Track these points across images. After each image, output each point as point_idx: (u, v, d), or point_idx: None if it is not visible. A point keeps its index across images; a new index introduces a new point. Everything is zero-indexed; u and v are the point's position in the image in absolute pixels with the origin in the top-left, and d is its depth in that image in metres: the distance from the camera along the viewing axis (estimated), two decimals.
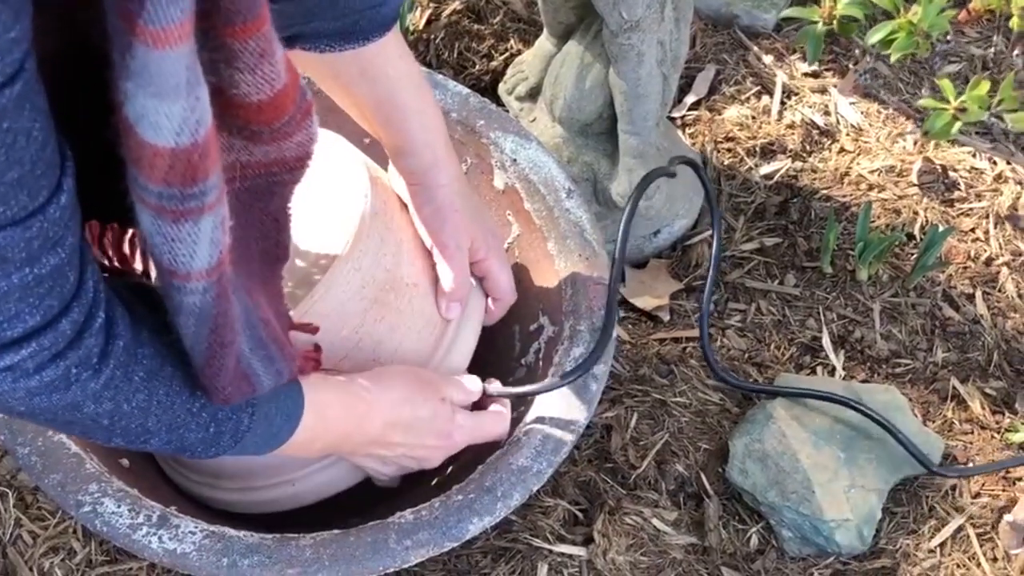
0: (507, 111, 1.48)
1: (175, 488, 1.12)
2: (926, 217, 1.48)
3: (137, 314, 0.77)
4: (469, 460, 1.09)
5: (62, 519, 1.20)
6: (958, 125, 1.00)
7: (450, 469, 1.14)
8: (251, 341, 0.81)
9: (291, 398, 0.90)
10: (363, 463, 1.06)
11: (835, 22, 1.02)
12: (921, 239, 1.45)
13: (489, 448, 1.08)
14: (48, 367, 0.71)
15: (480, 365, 1.14)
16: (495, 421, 1.08)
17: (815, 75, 1.61)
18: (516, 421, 1.10)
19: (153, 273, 0.73)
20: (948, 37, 1.49)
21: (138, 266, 0.87)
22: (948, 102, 1.01)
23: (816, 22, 1.02)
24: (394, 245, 1.05)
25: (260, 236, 0.82)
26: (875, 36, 0.99)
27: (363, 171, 1.04)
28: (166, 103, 0.60)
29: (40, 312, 0.68)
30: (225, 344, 0.77)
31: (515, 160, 1.21)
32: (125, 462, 1.11)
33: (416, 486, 1.13)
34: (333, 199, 1.04)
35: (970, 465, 1.30)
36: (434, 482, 1.16)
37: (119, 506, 0.99)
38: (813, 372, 1.37)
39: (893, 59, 1.02)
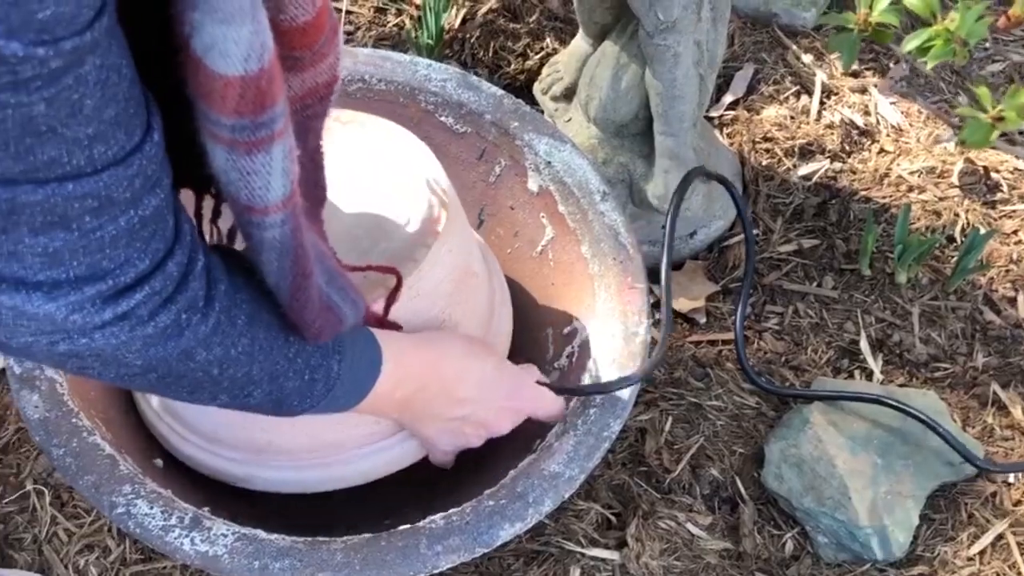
0: (542, 111, 1.47)
1: (207, 480, 1.12)
2: (967, 219, 1.46)
3: (226, 263, 0.79)
4: (499, 465, 1.09)
5: (97, 517, 1.20)
6: (996, 134, 0.98)
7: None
8: (325, 274, 0.83)
9: (370, 344, 0.92)
10: (430, 433, 1.04)
11: (870, 29, 1.00)
12: (962, 241, 1.43)
13: (520, 453, 1.07)
14: (161, 313, 0.72)
15: None
16: (555, 400, 1.08)
17: (855, 75, 1.59)
18: (548, 426, 1.09)
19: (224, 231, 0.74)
20: (987, 44, 1.47)
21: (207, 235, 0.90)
22: (986, 110, 0.99)
23: (851, 29, 1.01)
24: (465, 232, 1.10)
25: (303, 180, 0.82)
26: (911, 44, 0.97)
27: (434, 156, 1.09)
28: (233, 28, 0.61)
29: (149, 256, 0.69)
30: (307, 275, 0.79)
31: (549, 163, 1.20)
32: (159, 462, 1.12)
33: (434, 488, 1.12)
34: (411, 180, 1.07)
35: (1012, 475, 1.28)
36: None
37: (152, 507, 0.99)
38: (851, 376, 1.35)
39: (929, 67, 1.00)
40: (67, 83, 0.58)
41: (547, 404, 1.07)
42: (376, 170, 1.09)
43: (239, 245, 0.83)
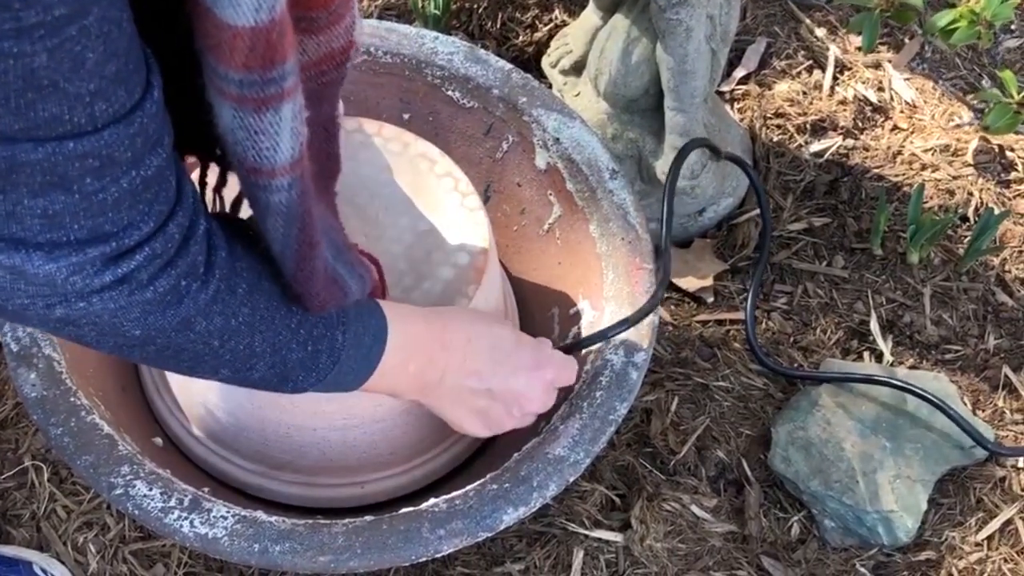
0: (550, 85, 1.44)
1: (216, 479, 1.11)
2: (981, 199, 1.43)
3: (226, 231, 0.77)
4: (504, 448, 1.07)
5: (96, 495, 1.19)
6: (1021, 120, 0.96)
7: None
8: (332, 247, 0.81)
9: (375, 315, 0.89)
10: (458, 415, 1.00)
11: (893, 8, 0.97)
12: (975, 221, 1.40)
13: (525, 435, 1.06)
14: (160, 277, 0.70)
15: None
16: (574, 364, 1.05)
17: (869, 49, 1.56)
18: (554, 408, 1.07)
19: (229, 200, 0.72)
20: (1012, 26, 1.44)
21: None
22: (1011, 95, 0.96)
23: (873, 8, 0.98)
24: (496, 270, 1.12)
25: (315, 149, 0.80)
26: (935, 25, 0.94)
27: (474, 190, 1.10)
28: None
29: (152, 218, 0.68)
30: (313, 244, 0.77)
31: (558, 139, 1.18)
32: (158, 441, 1.11)
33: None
34: (455, 218, 1.08)
35: (1021, 459, 1.27)
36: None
37: (151, 489, 0.98)
38: (860, 357, 1.33)
39: (954, 48, 0.98)
40: (70, 34, 0.57)
41: (569, 370, 1.04)
42: (420, 199, 1.09)
43: (244, 214, 0.81)
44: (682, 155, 1.25)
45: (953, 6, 0.90)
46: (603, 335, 1.06)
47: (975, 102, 1.48)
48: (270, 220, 0.74)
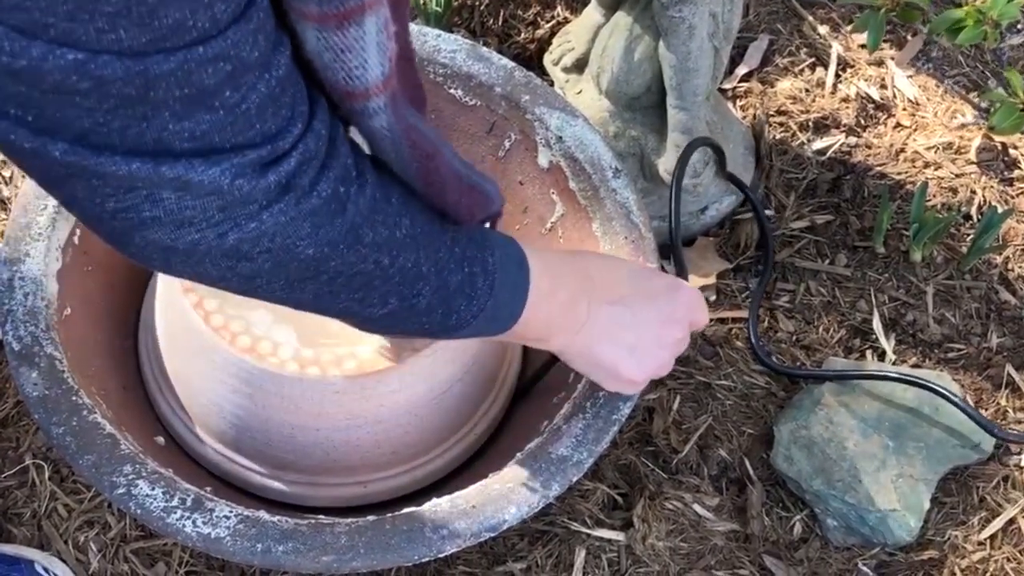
0: (552, 82, 1.44)
1: (218, 478, 1.11)
2: (984, 197, 1.43)
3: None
4: (507, 448, 1.07)
5: (97, 493, 1.19)
6: None
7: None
8: (455, 157, 0.79)
9: (511, 243, 0.86)
10: (609, 354, 0.95)
11: (898, 8, 0.97)
12: (978, 219, 1.40)
13: (528, 435, 1.06)
14: (320, 182, 0.69)
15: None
16: (701, 297, 1.01)
17: None
18: (557, 406, 1.07)
19: None
20: (1019, 25, 1.43)
21: None
22: (1017, 96, 0.96)
23: (879, 8, 0.97)
24: None
25: (400, 74, 0.78)
26: (941, 25, 0.94)
27: None
28: None
29: (298, 120, 0.67)
30: (431, 156, 0.75)
31: (560, 137, 1.18)
32: (160, 440, 1.11)
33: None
34: None
35: None
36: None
37: (153, 488, 0.97)
38: (862, 356, 1.33)
39: (960, 47, 0.97)
40: None
41: (701, 302, 1.01)
42: None
43: None
44: (686, 155, 1.24)
45: (959, 5, 0.89)
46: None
47: (979, 101, 1.48)
48: (378, 145, 0.73)
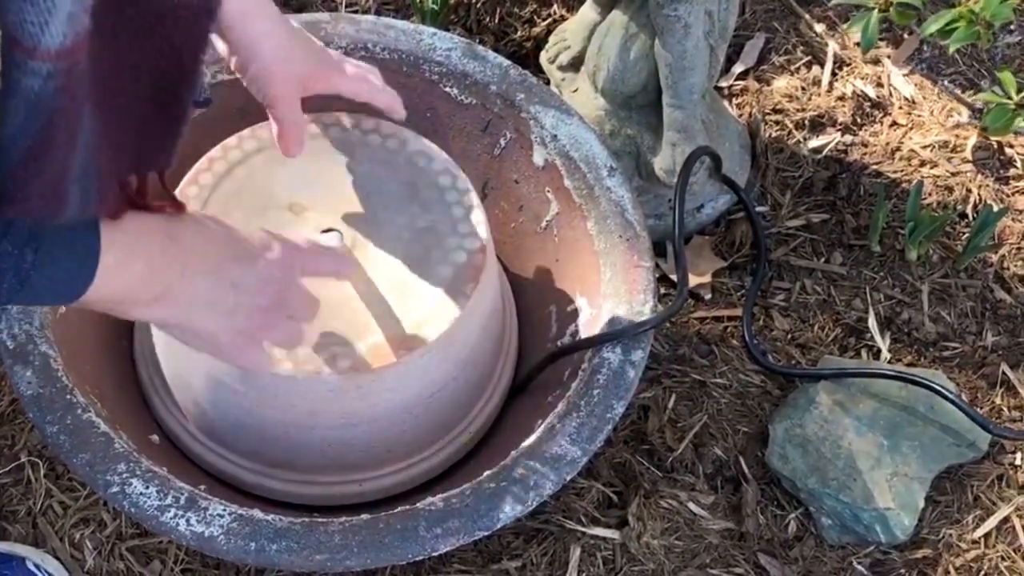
0: (548, 80, 1.44)
1: (213, 476, 1.11)
2: (979, 195, 1.43)
3: None
4: (502, 446, 1.07)
5: (92, 491, 1.19)
6: (1019, 121, 0.95)
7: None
8: (85, 166, 0.73)
9: (85, 237, 0.79)
10: (206, 323, 0.88)
11: (891, 9, 0.97)
12: (974, 218, 1.40)
13: (522, 433, 1.06)
14: None
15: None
16: (303, 242, 0.95)
17: None
18: (551, 405, 1.07)
19: None
20: (1012, 26, 1.43)
21: None
22: (1010, 96, 0.96)
23: (872, 8, 0.97)
24: (495, 268, 1.14)
25: (153, 69, 0.75)
26: (933, 26, 0.94)
27: (474, 191, 1.11)
28: None
29: None
30: (52, 146, 0.69)
31: (555, 136, 1.18)
32: (155, 438, 1.11)
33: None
34: (453, 217, 1.09)
35: (1018, 456, 1.27)
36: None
37: (147, 487, 0.97)
38: (857, 354, 1.33)
39: (952, 49, 0.97)
40: None
41: (309, 249, 0.94)
42: (418, 196, 1.09)
43: None
44: (688, 165, 1.24)
45: (952, 6, 0.89)
46: (619, 334, 1.08)
47: (974, 102, 1.48)
48: (13, 101, 0.66)
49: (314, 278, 0.94)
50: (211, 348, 0.91)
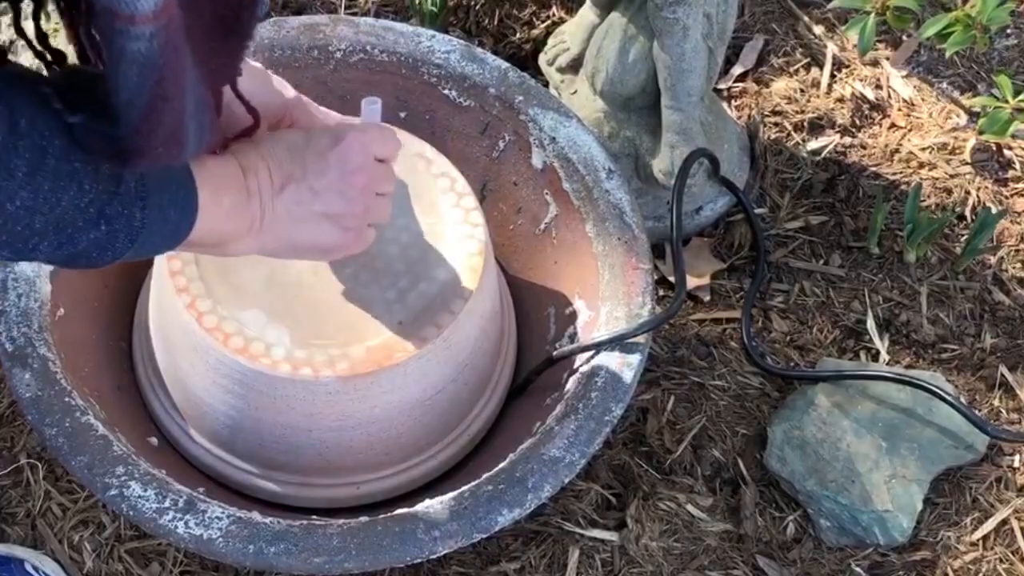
0: (547, 82, 1.44)
1: (211, 478, 1.11)
2: (978, 197, 1.43)
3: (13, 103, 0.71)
4: (500, 449, 1.07)
5: (91, 493, 1.19)
6: (1015, 124, 0.95)
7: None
8: (195, 102, 0.75)
9: (184, 186, 0.82)
10: (305, 233, 0.91)
11: (888, 13, 0.97)
12: (972, 220, 1.40)
13: (520, 436, 1.06)
14: None
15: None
16: (375, 128, 0.96)
17: None
18: (550, 407, 1.08)
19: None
20: (1008, 30, 1.43)
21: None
22: (1006, 100, 0.96)
23: (868, 13, 0.97)
24: (493, 271, 1.14)
25: (212, 4, 0.75)
26: (930, 30, 0.94)
27: (477, 203, 1.11)
28: None
29: None
30: (168, 98, 0.71)
31: (554, 138, 1.18)
32: (153, 440, 1.11)
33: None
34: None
35: (1017, 459, 1.27)
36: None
37: (146, 490, 0.98)
38: (856, 356, 1.33)
39: (948, 54, 0.97)
40: None
41: (376, 132, 0.95)
42: (417, 198, 1.09)
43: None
44: (685, 167, 1.25)
45: (949, 9, 0.89)
46: (620, 337, 1.08)
47: (971, 106, 1.48)
48: (123, 67, 0.68)
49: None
50: (320, 255, 0.95)
